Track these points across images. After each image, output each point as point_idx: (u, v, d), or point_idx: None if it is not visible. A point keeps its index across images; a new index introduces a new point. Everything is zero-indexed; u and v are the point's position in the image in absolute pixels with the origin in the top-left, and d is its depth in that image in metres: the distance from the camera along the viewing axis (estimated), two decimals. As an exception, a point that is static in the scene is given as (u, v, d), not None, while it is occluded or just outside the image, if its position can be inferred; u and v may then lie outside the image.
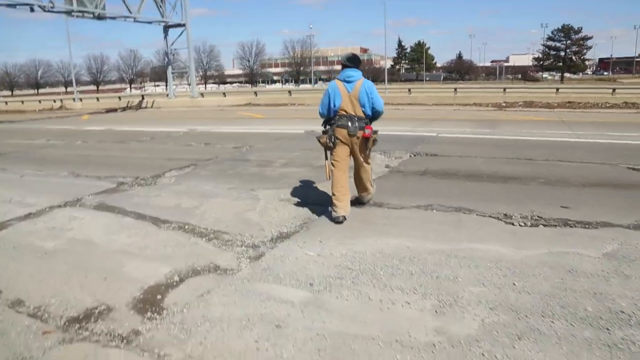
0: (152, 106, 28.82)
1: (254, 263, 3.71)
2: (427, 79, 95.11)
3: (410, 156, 8.32)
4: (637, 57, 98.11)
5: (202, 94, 30.91)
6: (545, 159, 7.78)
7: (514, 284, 3.29)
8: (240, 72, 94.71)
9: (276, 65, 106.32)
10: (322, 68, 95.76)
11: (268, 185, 6.29)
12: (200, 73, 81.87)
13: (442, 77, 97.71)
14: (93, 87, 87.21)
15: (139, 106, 29.29)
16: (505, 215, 4.84)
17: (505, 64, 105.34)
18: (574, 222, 4.59)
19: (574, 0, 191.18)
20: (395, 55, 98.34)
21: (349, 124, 4.58)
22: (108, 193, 6.20)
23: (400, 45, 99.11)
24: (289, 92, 28.89)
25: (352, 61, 4.67)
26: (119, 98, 34.45)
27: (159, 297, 3.15)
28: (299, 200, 5.60)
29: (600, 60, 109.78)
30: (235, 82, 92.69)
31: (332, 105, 4.66)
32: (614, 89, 20.48)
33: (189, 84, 32.00)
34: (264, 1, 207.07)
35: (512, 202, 5.29)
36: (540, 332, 2.69)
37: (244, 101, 27.16)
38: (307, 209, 5.23)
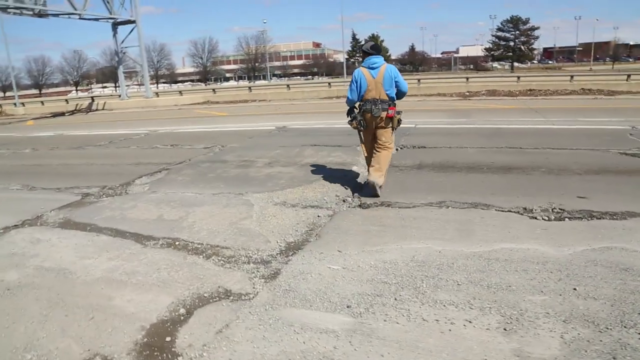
0: (103, 108, 27.18)
1: (271, 283, 3.15)
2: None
3: (397, 149, 7.92)
4: (577, 47, 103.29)
5: (157, 94, 29.47)
6: (534, 147, 7.58)
7: (575, 289, 2.90)
8: (192, 70, 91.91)
9: (229, 63, 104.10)
10: (276, 64, 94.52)
11: (257, 188, 5.70)
12: (152, 72, 78.85)
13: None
14: (35, 91, 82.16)
15: (89, 109, 27.55)
16: (525, 209, 4.50)
17: (455, 55, 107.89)
18: (598, 213, 4.30)
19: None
20: (350, 48, 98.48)
21: (373, 107, 4.98)
22: (73, 207, 5.41)
23: (354, 38, 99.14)
24: (249, 88, 28.02)
25: (375, 49, 5.05)
26: (67, 101, 32.34)
27: (167, 338, 2.54)
28: (297, 203, 5.06)
29: (545, 49, 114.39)
30: (187, 81, 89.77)
31: (359, 92, 5.03)
32: (571, 76, 21.01)
33: (140, 84, 30.50)
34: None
35: (525, 194, 4.97)
36: (634, 349, 2.30)
37: (201, 99, 26.09)
38: (309, 213, 4.70)
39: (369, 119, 5.04)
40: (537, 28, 76.70)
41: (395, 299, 2.85)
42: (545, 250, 3.50)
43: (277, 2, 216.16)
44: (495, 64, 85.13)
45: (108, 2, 25.09)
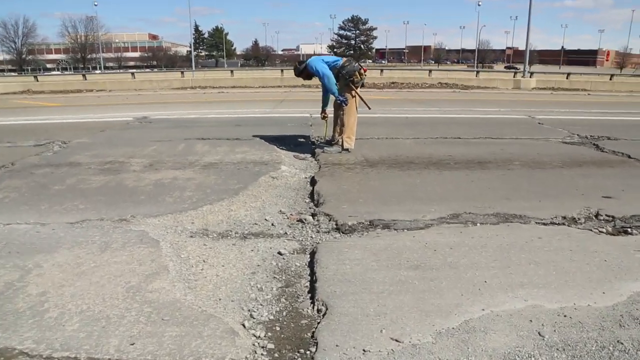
0: None
1: None
2: (226, 66, 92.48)
3: (312, 143, 6.25)
4: (405, 49, 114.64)
5: (-50, 80, 22.76)
6: (473, 136, 6.63)
7: None
8: (1, 58, 76.22)
9: (50, 52, 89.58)
10: (110, 55, 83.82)
11: (151, 208, 3.45)
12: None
13: (239, 64, 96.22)
14: None
15: None
16: (565, 217, 3.29)
17: (296, 52, 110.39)
18: (655, 217, 3.21)
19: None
20: (193, 41, 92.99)
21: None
22: None
23: (197, 30, 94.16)
24: (84, 75, 23.33)
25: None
26: None
27: None
28: (229, 231, 3.06)
29: (377, 50, 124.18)
30: None
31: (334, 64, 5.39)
32: (430, 71, 21.77)
33: None
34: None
35: (542, 196, 3.76)
36: None
37: (20, 87, 20.71)
38: (259, 248, 2.80)
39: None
40: (375, 29, 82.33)
41: None
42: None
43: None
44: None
45: None
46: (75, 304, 2.10)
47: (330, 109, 5.84)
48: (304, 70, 5.55)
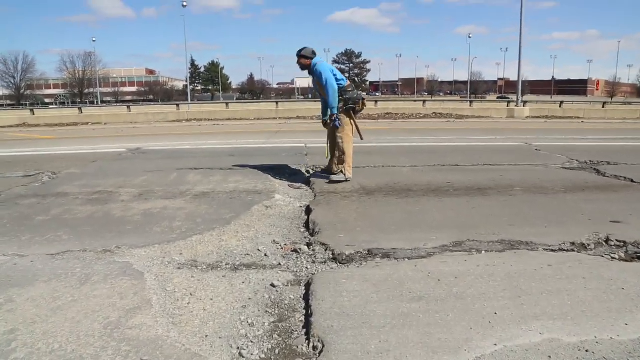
0: None
1: None
2: (222, 99, 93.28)
3: (307, 172, 6.14)
4: (398, 82, 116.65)
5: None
6: (471, 163, 6.52)
7: None
8: (1, 93, 76.64)
9: (49, 87, 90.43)
10: (107, 90, 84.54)
11: (138, 239, 3.27)
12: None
13: (235, 98, 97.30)
14: None
15: None
16: (574, 243, 3.14)
17: (291, 86, 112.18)
18: (668, 243, 3.06)
19: (350, 33, 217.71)
20: (189, 75, 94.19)
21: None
22: None
23: (193, 64, 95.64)
24: (79, 109, 23.38)
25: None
26: None
27: None
28: (219, 262, 2.90)
29: (371, 83, 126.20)
30: None
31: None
32: (424, 101, 21.95)
33: None
34: (28, 16, 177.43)
35: (544, 222, 3.61)
36: None
37: (16, 120, 20.73)
38: (251, 280, 2.63)
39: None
40: (369, 62, 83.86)
41: None
42: None
43: (105, 25, 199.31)
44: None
45: None
46: (47, 343, 1.90)
47: (323, 139, 5.73)
48: (308, 65, 5.28)
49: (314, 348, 1.88)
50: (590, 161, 6.59)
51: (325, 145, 5.80)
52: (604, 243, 3.16)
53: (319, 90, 5.40)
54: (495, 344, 1.83)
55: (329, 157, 5.65)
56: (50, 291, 2.40)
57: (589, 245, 3.10)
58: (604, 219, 3.64)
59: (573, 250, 3.00)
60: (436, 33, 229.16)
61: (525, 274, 2.55)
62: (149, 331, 1.99)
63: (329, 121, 5.34)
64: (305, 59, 5.27)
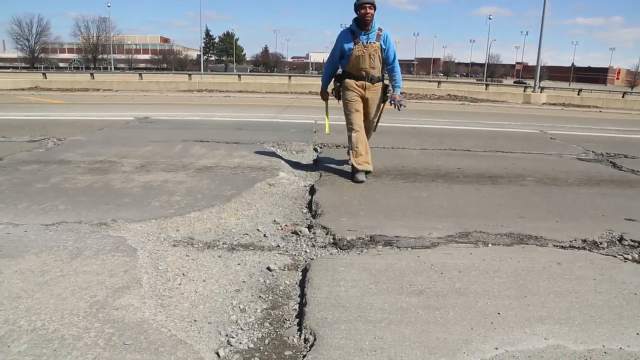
0: None
1: None
2: (235, 71, 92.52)
3: (315, 149, 6.02)
4: (414, 61, 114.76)
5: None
6: (483, 149, 6.35)
7: None
8: (16, 55, 76.51)
9: (63, 51, 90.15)
10: (121, 56, 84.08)
11: (135, 212, 3.19)
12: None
13: (248, 70, 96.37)
14: None
15: None
16: (586, 241, 3.00)
17: (305, 60, 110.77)
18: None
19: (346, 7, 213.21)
20: (203, 45, 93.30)
21: None
22: None
23: (208, 35, 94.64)
24: (91, 74, 23.27)
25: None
26: None
27: None
28: (216, 241, 2.81)
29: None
30: (9, 68, 74.21)
31: None
32: (439, 82, 21.52)
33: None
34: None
35: (556, 216, 3.47)
36: None
37: (28, 84, 20.70)
38: (247, 262, 2.55)
39: None
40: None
41: None
42: None
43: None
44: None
45: None
46: (29, 320, 1.84)
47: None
48: (370, 22, 4.25)
49: (305, 340, 1.80)
50: (606, 153, 6.38)
51: (325, 119, 5.10)
52: (617, 242, 3.02)
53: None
54: (497, 348, 1.73)
55: (329, 133, 5.10)
56: (39, 264, 2.33)
57: (601, 243, 2.97)
58: (618, 215, 3.49)
59: (584, 248, 2.87)
60: (456, 13, 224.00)
61: (533, 271, 2.43)
62: (135, 313, 1.91)
63: (393, 104, 4.43)
64: (371, 20, 4.27)
